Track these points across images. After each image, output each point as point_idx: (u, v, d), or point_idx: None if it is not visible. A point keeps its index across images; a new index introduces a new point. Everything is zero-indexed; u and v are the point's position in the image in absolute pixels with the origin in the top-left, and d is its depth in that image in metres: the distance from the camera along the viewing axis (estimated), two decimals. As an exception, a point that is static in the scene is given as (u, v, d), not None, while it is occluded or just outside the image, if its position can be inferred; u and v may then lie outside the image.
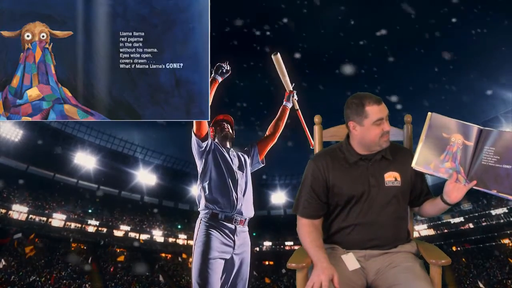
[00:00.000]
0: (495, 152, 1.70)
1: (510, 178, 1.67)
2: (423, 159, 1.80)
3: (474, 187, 1.75)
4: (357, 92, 1.90)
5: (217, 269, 2.63)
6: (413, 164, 1.81)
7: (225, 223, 2.75)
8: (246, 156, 3.05)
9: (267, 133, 3.19)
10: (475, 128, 1.76)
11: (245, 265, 2.80)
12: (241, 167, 2.96)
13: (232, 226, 2.76)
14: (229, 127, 3.11)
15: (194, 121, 2.79)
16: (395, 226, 1.90)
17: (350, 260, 1.83)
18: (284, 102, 3.25)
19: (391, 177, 1.88)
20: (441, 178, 1.80)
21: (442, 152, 1.78)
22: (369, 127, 1.83)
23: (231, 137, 3.09)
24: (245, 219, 2.84)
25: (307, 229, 1.87)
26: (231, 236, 2.74)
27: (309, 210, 1.90)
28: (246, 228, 2.87)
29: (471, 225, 36.02)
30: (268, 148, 3.14)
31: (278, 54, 2.85)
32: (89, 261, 32.48)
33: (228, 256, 2.71)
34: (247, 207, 2.86)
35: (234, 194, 2.81)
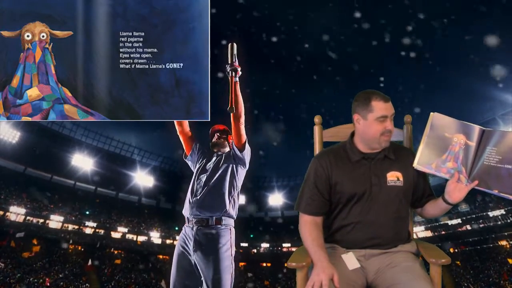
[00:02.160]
0: (497, 152, 1.71)
1: None
2: (425, 159, 1.81)
3: (475, 187, 1.76)
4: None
5: (180, 278, 2.71)
6: (415, 164, 1.82)
7: (187, 226, 2.83)
8: (226, 155, 3.01)
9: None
10: (477, 128, 1.76)
11: (209, 266, 2.66)
12: (204, 169, 2.99)
13: (190, 228, 2.80)
14: (220, 135, 3.17)
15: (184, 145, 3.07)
16: (396, 226, 1.90)
17: (350, 260, 1.84)
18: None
19: (394, 177, 1.88)
20: (442, 178, 1.81)
21: (444, 152, 1.79)
22: (372, 122, 1.85)
23: (222, 143, 3.13)
24: (208, 218, 2.77)
25: (309, 227, 1.87)
26: (190, 239, 2.76)
27: (312, 207, 1.91)
28: (214, 228, 2.77)
29: (468, 227, 36.03)
30: (239, 131, 2.77)
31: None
32: (89, 262, 32.38)
33: (192, 260, 2.72)
34: (203, 206, 2.81)
35: (190, 196, 2.89)
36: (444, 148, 1.79)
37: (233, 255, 2.78)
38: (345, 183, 1.89)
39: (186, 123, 3.09)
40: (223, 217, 2.80)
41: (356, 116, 1.90)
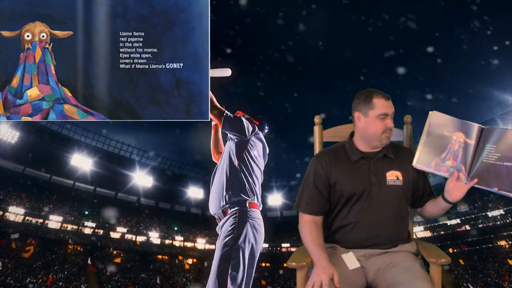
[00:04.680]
0: (497, 150, 1.70)
1: (511, 175, 1.68)
2: (424, 158, 1.80)
3: (475, 185, 1.76)
4: None
5: None
6: (414, 163, 1.82)
7: None
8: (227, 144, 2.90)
9: None
10: (476, 126, 1.77)
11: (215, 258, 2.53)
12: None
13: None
14: None
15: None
16: (396, 225, 1.90)
17: (350, 259, 1.84)
18: None
19: (393, 176, 1.88)
20: (442, 177, 1.81)
21: (443, 150, 1.79)
22: (373, 119, 1.86)
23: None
24: (218, 215, 2.73)
25: (309, 227, 1.87)
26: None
27: (312, 206, 1.91)
28: (224, 219, 2.68)
29: (467, 227, 36.05)
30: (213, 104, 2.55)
31: None
32: (88, 262, 32.38)
33: None
34: (210, 203, 2.80)
35: None
36: (443, 147, 1.79)
37: (239, 242, 2.55)
38: (344, 183, 1.89)
39: (221, 144, 3.23)
40: (227, 205, 2.69)
41: (357, 114, 1.91)
